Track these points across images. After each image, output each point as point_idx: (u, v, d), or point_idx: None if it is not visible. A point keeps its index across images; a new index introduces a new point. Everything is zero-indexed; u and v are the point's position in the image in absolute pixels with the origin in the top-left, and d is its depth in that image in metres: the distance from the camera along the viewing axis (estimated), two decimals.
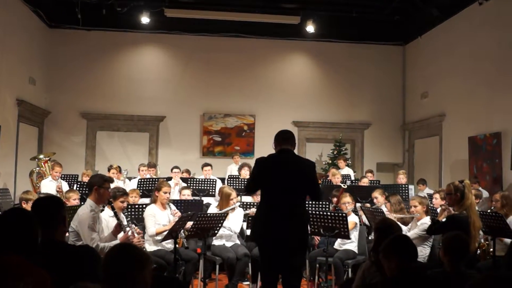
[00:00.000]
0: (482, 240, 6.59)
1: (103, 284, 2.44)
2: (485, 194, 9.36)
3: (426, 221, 6.32)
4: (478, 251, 6.44)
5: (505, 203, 6.88)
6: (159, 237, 6.42)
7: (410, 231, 6.45)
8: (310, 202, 7.81)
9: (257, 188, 5.19)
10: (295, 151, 5.12)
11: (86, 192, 6.42)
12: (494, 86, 10.33)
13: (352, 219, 7.15)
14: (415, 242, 6.31)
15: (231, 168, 12.17)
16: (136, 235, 5.49)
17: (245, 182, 9.39)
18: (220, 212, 6.88)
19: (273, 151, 5.05)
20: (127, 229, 5.33)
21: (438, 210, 7.39)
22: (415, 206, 6.56)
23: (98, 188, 5.02)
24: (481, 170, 10.57)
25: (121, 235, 5.29)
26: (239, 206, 7.41)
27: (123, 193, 6.03)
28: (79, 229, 4.74)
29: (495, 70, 10.32)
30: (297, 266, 4.95)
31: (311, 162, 5.07)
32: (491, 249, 6.15)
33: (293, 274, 4.88)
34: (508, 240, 6.20)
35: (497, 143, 10.05)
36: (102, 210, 6.08)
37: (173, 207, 6.91)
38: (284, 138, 5.02)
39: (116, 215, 5.39)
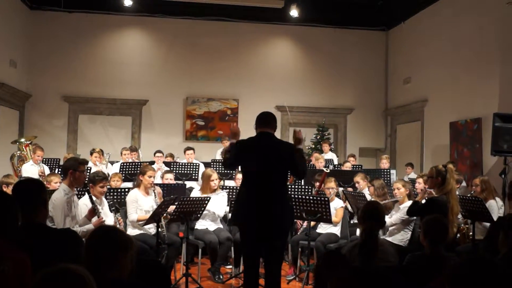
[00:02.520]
0: (462, 224, 6.69)
1: (85, 266, 2.44)
2: None
3: (409, 204, 6.36)
4: (458, 235, 6.54)
5: (485, 188, 7.00)
6: (140, 223, 6.40)
7: (392, 216, 6.51)
8: (293, 186, 7.83)
9: (236, 163, 5.14)
10: (278, 135, 5.09)
11: None
12: (475, 72, 10.40)
13: (340, 204, 7.18)
14: (397, 227, 6.41)
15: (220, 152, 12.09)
16: (118, 225, 5.47)
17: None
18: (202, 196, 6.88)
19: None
20: (101, 214, 5.28)
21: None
22: (398, 189, 6.61)
23: (73, 172, 4.93)
24: (461, 155, 10.68)
25: (95, 219, 5.24)
26: (221, 188, 7.43)
27: (103, 177, 5.86)
28: (53, 214, 4.69)
29: (476, 56, 10.38)
30: (279, 250, 4.93)
31: (291, 145, 4.99)
32: (471, 233, 6.25)
33: (274, 258, 4.87)
34: (487, 224, 6.30)
35: (477, 129, 10.15)
36: (81, 194, 6.00)
37: (158, 189, 6.86)
38: (265, 122, 4.95)
39: (91, 198, 5.33)
